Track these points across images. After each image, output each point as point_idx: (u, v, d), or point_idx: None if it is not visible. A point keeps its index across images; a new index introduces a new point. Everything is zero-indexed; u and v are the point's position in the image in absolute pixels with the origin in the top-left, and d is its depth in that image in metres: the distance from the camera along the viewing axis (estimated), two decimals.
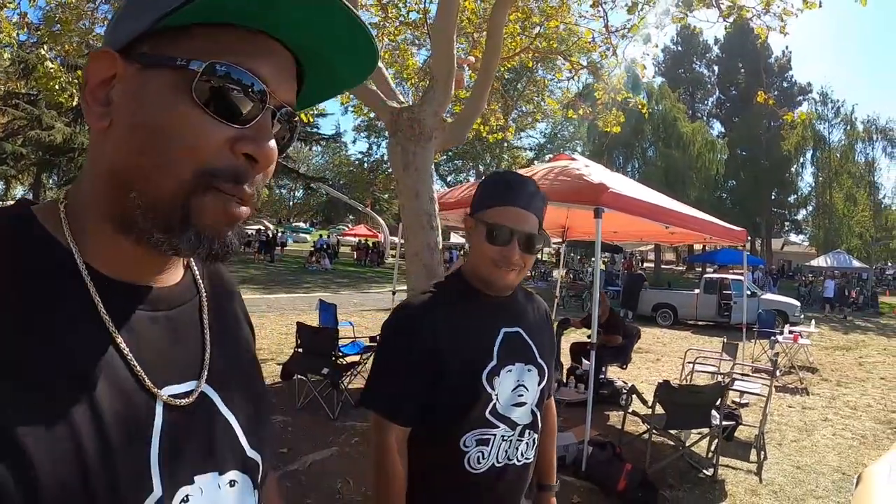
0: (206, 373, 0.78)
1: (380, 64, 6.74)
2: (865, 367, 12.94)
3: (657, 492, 5.00)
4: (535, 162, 39.83)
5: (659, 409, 5.64)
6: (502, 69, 12.18)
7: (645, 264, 49.47)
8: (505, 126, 12.85)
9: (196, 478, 0.72)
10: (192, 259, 0.84)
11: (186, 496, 0.70)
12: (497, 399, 1.62)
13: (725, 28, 7.83)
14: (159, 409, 0.69)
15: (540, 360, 1.76)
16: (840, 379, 11.20)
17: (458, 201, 7.33)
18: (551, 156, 23.55)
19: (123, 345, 0.67)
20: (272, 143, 0.70)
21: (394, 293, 9.86)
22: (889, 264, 48.89)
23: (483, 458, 1.60)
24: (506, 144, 38.88)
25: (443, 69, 5.64)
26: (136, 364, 0.68)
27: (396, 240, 8.30)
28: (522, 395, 1.68)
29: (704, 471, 5.67)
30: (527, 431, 1.70)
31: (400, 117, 5.65)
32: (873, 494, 3.10)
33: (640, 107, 10.49)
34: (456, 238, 36.40)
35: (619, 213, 6.05)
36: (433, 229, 5.54)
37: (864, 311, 28.72)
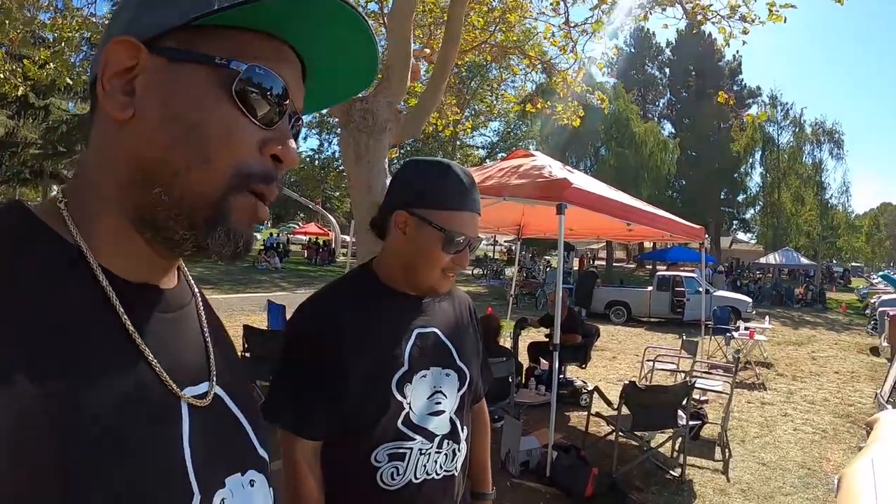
0: (214, 374, 0.75)
1: None
2: (819, 361, 13.20)
3: (626, 496, 4.87)
4: (488, 160, 39.93)
5: (623, 410, 5.51)
6: (459, 64, 12.03)
7: (596, 262, 50.04)
8: (459, 121, 12.68)
9: (226, 480, 0.70)
10: (182, 261, 0.79)
11: (222, 500, 0.68)
12: (410, 408, 1.46)
13: (692, 30, 7.76)
14: (185, 411, 0.67)
15: (460, 364, 1.58)
16: (795, 374, 11.36)
17: None
18: (503, 155, 23.50)
19: (145, 347, 0.63)
20: (294, 144, 0.70)
21: None
22: (835, 262, 50.29)
23: (398, 475, 1.43)
24: (458, 142, 38.83)
25: (399, 57, 5.39)
26: (159, 366, 0.64)
27: (347, 238, 8.18)
28: (440, 403, 1.52)
29: (671, 471, 5.60)
30: (446, 442, 1.52)
31: (352, 108, 5.38)
32: (860, 496, 3.00)
33: (600, 101, 10.39)
34: None
35: (577, 210, 5.89)
36: None
37: (812, 306, 29.62)
